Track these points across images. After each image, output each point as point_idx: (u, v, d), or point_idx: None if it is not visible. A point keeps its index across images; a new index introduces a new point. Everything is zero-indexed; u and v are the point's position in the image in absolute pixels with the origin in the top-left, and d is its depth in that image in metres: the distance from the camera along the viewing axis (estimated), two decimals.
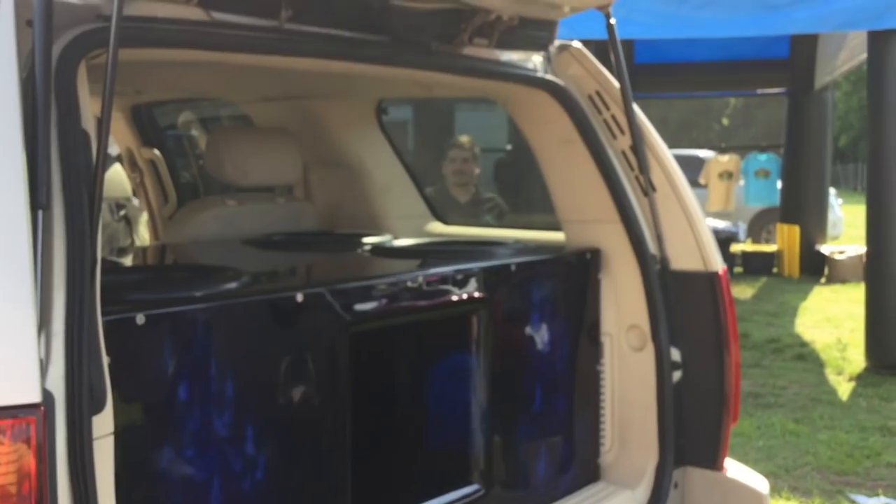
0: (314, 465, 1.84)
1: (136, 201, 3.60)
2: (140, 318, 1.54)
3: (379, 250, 2.54)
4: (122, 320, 1.52)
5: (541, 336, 2.37)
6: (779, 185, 11.96)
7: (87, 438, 1.32)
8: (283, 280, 2.25)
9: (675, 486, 2.44)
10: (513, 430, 2.32)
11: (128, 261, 2.76)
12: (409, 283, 2.06)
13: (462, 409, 2.24)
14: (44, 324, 1.31)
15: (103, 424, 1.37)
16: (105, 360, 1.39)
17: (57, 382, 1.31)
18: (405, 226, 3.25)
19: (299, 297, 1.80)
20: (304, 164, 3.26)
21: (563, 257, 2.47)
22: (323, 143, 3.26)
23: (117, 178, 3.64)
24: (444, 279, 2.14)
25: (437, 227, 3.32)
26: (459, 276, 2.17)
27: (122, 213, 3.34)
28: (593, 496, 2.41)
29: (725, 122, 32.23)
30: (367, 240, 2.74)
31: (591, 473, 2.49)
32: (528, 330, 2.34)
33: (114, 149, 4.11)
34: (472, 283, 2.20)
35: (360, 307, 1.92)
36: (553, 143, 2.52)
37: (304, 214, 3.20)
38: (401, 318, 2.07)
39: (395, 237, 2.92)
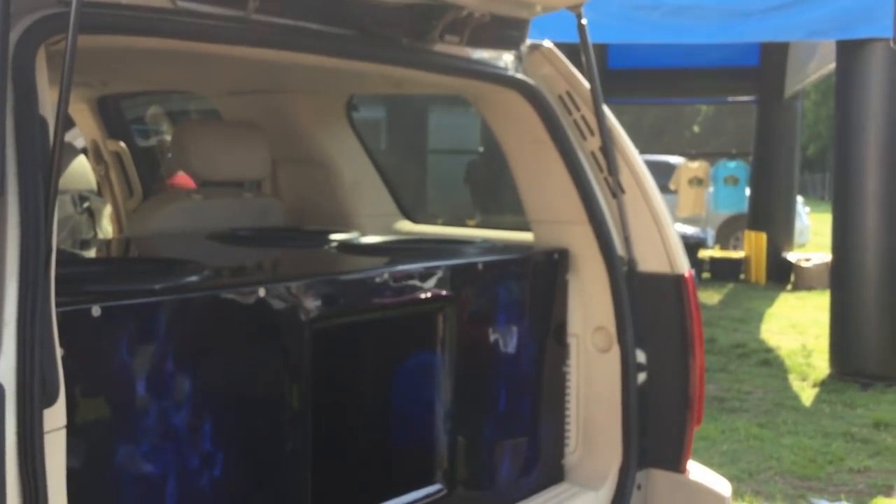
0: (273, 464, 1.82)
1: (100, 196, 3.55)
2: (96, 310, 1.50)
3: (346, 247, 2.51)
4: (78, 312, 1.48)
5: (507, 336, 2.36)
6: (747, 192, 12.08)
7: (38, 432, 1.29)
8: (245, 275, 2.21)
9: (639, 487, 2.44)
10: (477, 431, 2.30)
11: (89, 253, 2.71)
12: (376, 280, 2.04)
13: (426, 408, 2.22)
14: None
15: (55, 418, 1.34)
16: (58, 351, 1.35)
17: (7, 373, 1.27)
18: (374, 224, 3.22)
19: (261, 292, 1.77)
20: (273, 160, 3.23)
21: (531, 257, 2.46)
22: (292, 139, 3.23)
23: (81, 170, 3.57)
24: (409, 276, 2.12)
25: (406, 226, 3.30)
26: (425, 274, 2.15)
27: (86, 205, 3.28)
28: (557, 497, 2.40)
29: (696, 129, 32.52)
30: (334, 236, 2.72)
31: (555, 474, 2.48)
32: (494, 330, 2.33)
33: (79, 141, 4.05)
34: (438, 282, 2.18)
35: (322, 303, 1.90)
36: (523, 143, 2.51)
37: (272, 211, 3.17)
38: (365, 315, 2.05)
39: (364, 234, 2.90)
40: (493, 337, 2.33)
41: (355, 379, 2.20)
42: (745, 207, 12.13)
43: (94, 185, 3.64)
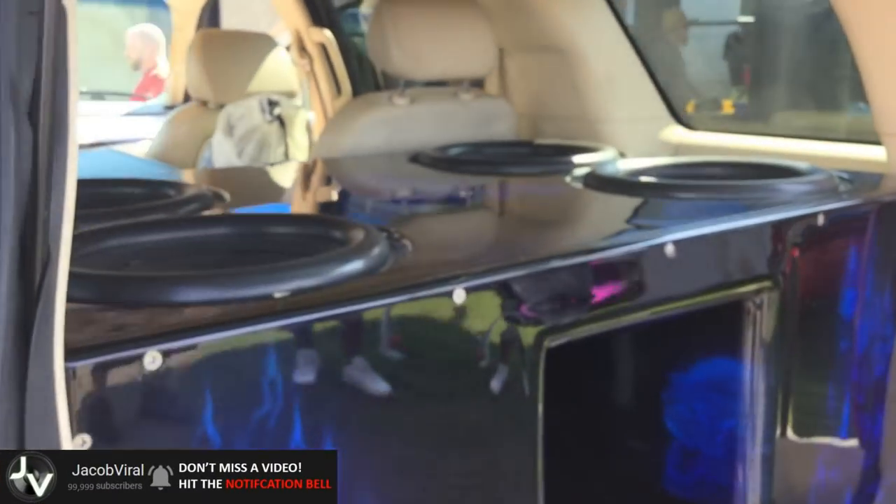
0: None
1: (295, 99, 2.94)
2: (150, 358, 0.84)
3: (596, 179, 1.69)
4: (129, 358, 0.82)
5: (856, 326, 1.49)
6: None
7: None
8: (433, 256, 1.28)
9: None
10: (807, 465, 1.49)
11: (257, 190, 2.03)
12: (645, 255, 1.24)
13: (726, 440, 1.43)
14: None
15: None
16: None
17: None
18: (634, 132, 2.38)
19: (458, 296, 1.03)
20: (500, 50, 2.45)
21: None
22: (526, 21, 2.41)
23: (276, 68, 2.98)
24: (705, 244, 1.30)
25: (677, 135, 2.42)
26: (731, 240, 1.32)
27: (276, 112, 2.69)
28: None
29: None
30: (579, 158, 1.92)
31: None
32: (836, 318, 1.47)
33: (284, 37, 3.46)
34: (753, 251, 1.35)
35: (559, 309, 1.13)
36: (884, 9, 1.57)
37: (498, 116, 2.41)
38: (629, 315, 1.26)
39: (621, 151, 2.08)
40: (834, 330, 1.47)
41: (611, 402, 1.45)
42: None
43: (292, 87, 3.04)
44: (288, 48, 3.35)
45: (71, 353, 0.79)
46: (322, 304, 0.96)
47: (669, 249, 1.24)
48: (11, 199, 0.70)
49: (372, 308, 0.99)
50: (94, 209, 1.40)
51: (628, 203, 1.55)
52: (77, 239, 1.20)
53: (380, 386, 1.01)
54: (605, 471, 1.54)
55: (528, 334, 1.11)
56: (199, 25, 3.97)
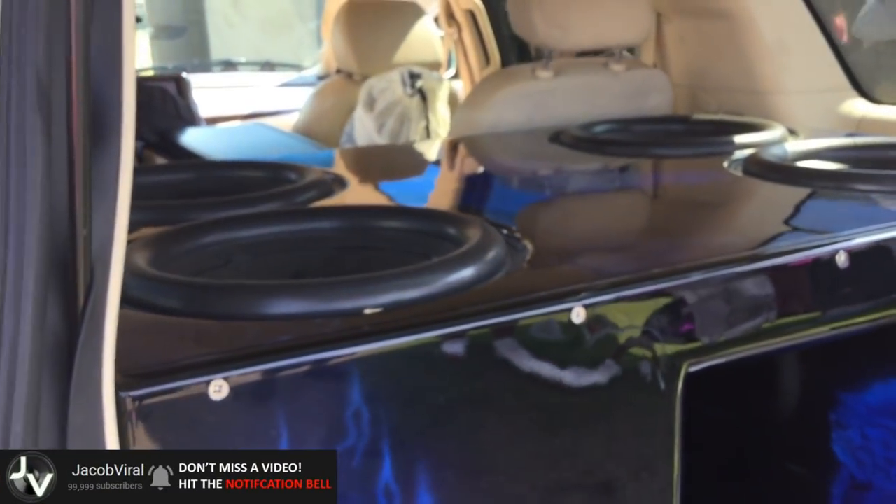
0: None
1: (436, 73, 2.81)
2: (216, 389, 0.74)
3: (758, 165, 1.48)
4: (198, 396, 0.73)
5: None
6: None
7: None
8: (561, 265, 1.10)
9: None
10: None
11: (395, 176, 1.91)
12: (814, 264, 1.04)
13: None
14: None
15: None
16: None
17: None
18: (809, 105, 2.12)
19: (577, 316, 0.88)
20: (657, 14, 2.24)
21: None
22: None
23: (422, 37, 2.88)
24: (886, 251, 1.09)
25: (859, 108, 2.14)
26: None
27: (418, 84, 2.58)
28: None
29: None
30: (741, 138, 1.71)
31: None
32: None
33: (433, 7, 3.35)
34: None
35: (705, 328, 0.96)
36: None
37: (654, 87, 2.20)
38: (786, 335, 1.06)
39: (791, 129, 1.84)
40: None
41: (765, 420, 1.26)
42: None
43: (438, 58, 2.93)
44: (436, 18, 3.24)
45: (122, 383, 0.70)
46: (416, 325, 0.84)
47: (841, 258, 1.04)
48: (36, 220, 0.61)
49: (473, 329, 0.86)
50: (205, 198, 1.34)
51: (795, 195, 1.34)
52: (180, 233, 1.14)
53: (481, 419, 0.88)
54: (756, 499, 1.35)
55: (662, 358, 0.95)
56: None
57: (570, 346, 0.90)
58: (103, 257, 0.67)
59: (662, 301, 0.95)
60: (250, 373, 0.77)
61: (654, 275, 0.95)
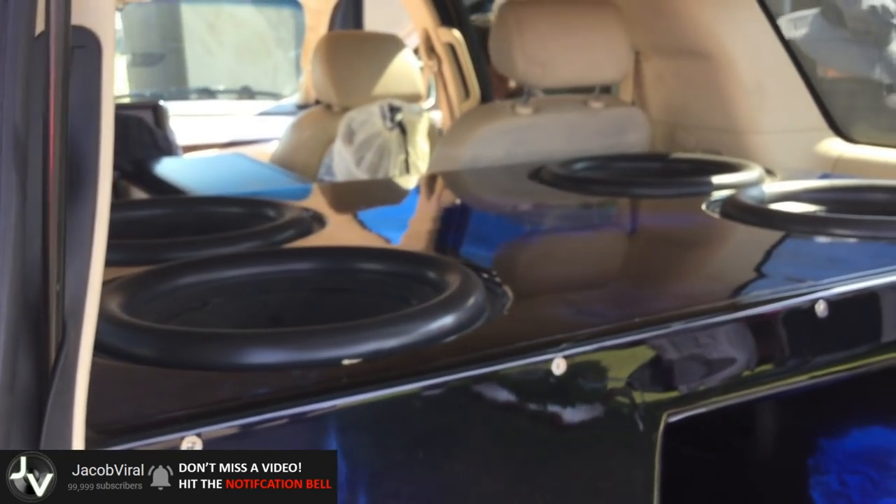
0: None
1: (416, 106, 2.81)
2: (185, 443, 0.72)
3: (735, 207, 1.48)
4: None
5: None
6: None
7: None
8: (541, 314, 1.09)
9: None
10: None
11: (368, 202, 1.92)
12: (793, 313, 1.04)
13: None
14: None
15: None
16: None
17: None
18: (785, 145, 2.14)
19: (557, 367, 0.87)
20: (636, 52, 2.26)
21: None
22: (666, 22, 2.21)
23: (402, 71, 2.88)
24: (864, 300, 1.09)
25: (836, 148, 2.16)
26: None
27: (398, 118, 2.58)
28: None
29: None
30: (719, 178, 1.72)
31: None
32: None
33: (412, 38, 3.36)
34: None
35: (686, 375, 0.96)
36: None
37: (631, 125, 2.21)
38: (763, 385, 1.06)
39: (768, 168, 1.86)
40: None
41: (743, 462, 1.25)
42: None
43: (418, 90, 2.93)
44: (416, 50, 3.25)
45: (93, 440, 0.68)
46: (395, 377, 0.83)
47: (820, 308, 1.04)
48: (8, 276, 0.60)
49: (453, 381, 0.85)
50: (182, 237, 1.33)
51: (772, 239, 1.34)
52: (156, 275, 1.12)
53: (462, 470, 0.87)
54: None
55: (642, 408, 0.94)
56: (340, 25, 3.89)
57: (550, 396, 0.89)
58: (76, 312, 0.65)
59: (643, 351, 0.94)
60: (225, 428, 0.75)
61: (634, 325, 0.95)
